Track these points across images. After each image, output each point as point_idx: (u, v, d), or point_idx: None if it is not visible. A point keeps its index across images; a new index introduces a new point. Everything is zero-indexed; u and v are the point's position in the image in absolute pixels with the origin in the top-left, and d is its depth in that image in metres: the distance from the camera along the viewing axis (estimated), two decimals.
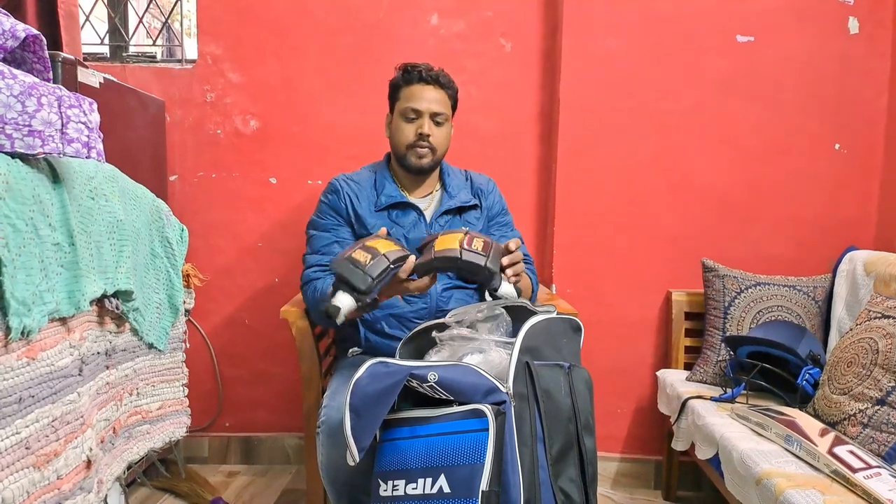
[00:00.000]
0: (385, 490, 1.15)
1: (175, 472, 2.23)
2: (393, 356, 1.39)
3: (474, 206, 1.71)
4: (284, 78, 2.25)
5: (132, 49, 2.31)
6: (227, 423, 2.39)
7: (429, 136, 1.60)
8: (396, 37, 2.24)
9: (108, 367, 1.11)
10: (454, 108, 1.70)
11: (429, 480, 1.10)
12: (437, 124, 1.63)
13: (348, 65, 2.23)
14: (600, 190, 2.17)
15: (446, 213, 1.68)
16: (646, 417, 2.23)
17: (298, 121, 2.26)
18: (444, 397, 1.18)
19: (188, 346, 1.42)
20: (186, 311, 1.42)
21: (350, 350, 1.70)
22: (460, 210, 1.70)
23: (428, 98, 1.61)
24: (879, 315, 1.64)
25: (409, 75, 1.63)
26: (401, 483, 1.13)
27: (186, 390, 1.40)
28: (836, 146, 2.14)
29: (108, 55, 2.30)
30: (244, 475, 2.32)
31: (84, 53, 2.22)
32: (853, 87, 2.11)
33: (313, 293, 1.58)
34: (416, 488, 1.11)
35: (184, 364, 1.40)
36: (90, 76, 1.78)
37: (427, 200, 1.71)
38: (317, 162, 2.27)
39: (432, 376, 1.15)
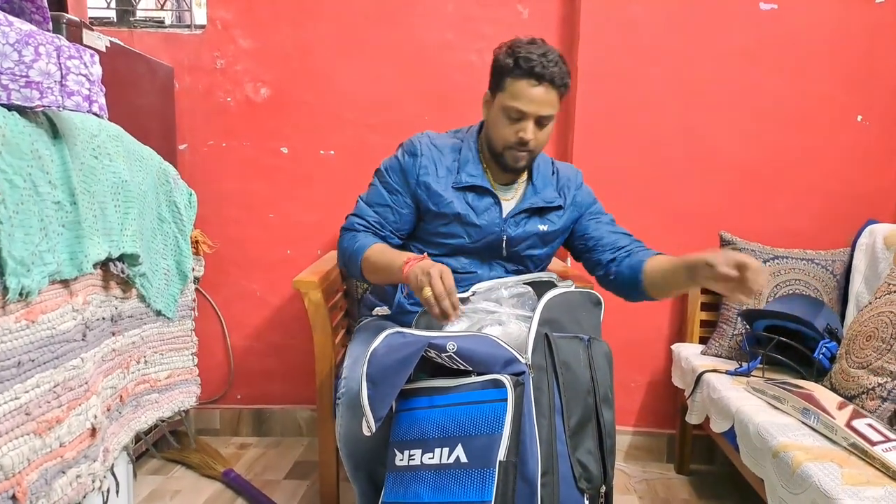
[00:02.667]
0: (401, 459, 1.15)
1: (186, 443, 2.22)
2: (410, 325, 1.40)
3: (558, 207, 1.60)
4: (298, 44, 2.20)
5: (139, 14, 2.27)
6: (238, 395, 2.40)
7: (530, 140, 1.45)
8: (413, 3, 2.18)
9: (113, 334, 1.09)
10: (563, 100, 1.50)
11: (445, 450, 1.11)
12: (542, 126, 1.46)
13: (365, 30, 2.18)
14: (618, 160, 2.13)
15: (526, 211, 1.56)
16: (659, 391, 2.22)
17: (312, 88, 2.22)
18: (462, 367, 1.17)
19: (197, 314, 1.40)
20: (196, 278, 1.40)
21: (376, 308, 1.65)
22: (542, 210, 1.58)
23: (538, 100, 1.41)
24: None
25: (521, 68, 1.40)
26: (417, 452, 1.13)
27: (196, 359, 1.39)
28: (859, 118, 2.09)
29: (115, 19, 2.26)
30: (256, 447, 2.33)
31: (90, 17, 2.19)
32: (878, 58, 2.06)
33: (351, 242, 1.52)
34: (432, 458, 1.11)
35: (193, 332, 1.38)
36: (96, 39, 1.74)
37: (510, 190, 1.59)
38: (330, 132, 2.24)
39: (451, 346, 1.14)
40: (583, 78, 2.10)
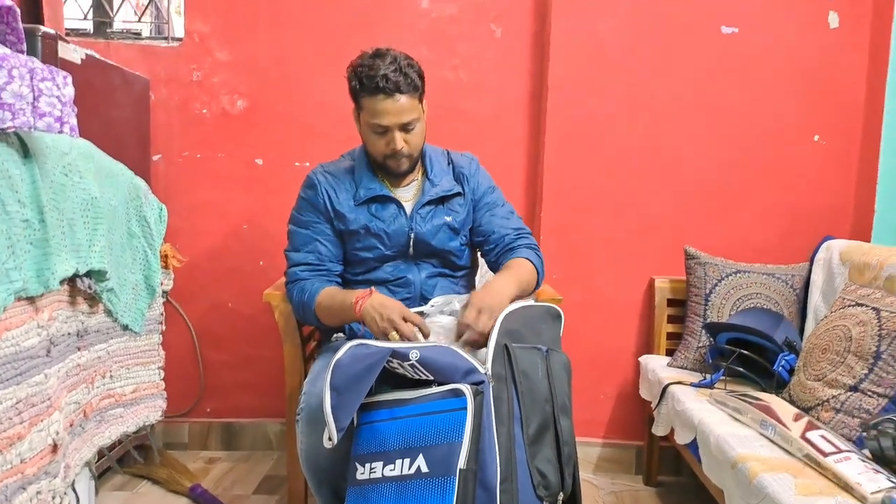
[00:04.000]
0: (362, 473, 1.16)
1: (152, 458, 2.19)
2: None
3: (457, 194, 1.66)
4: (274, 57, 2.23)
5: (117, 26, 2.28)
6: (208, 408, 2.38)
7: (401, 148, 1.50)
8: (389, 18, 2.23)
9: (79, 349, 1.09)
10: (422, 96, 1.54)
11: (407, 461, 1.12)
12: (409, 130, 1.50)
13: (341, 45, 2.21)
14: (588, 175, 2.18)
15: (428, 203, 1.62)
16: (627, 402, 2.26)
17: (287, 101, 2.24)
18: (423, 377, 1.20)
19: (164, 328, 1.41)
20: (164, 292, 1.41)
21: (334, 335, 1.69)
22: (443, 200, 1.64)
23: (393, 111, 1.45)
24: (853, 303, 1.67)
25: (367, 87, 1.44)
26: (378, 465, 1.14)
27: (163, 373, 1.39)
28: (816, 137, 2.17)
29: (92, 31, 2.26)
30: (225, 461, 2.30)
31: (66, 29, 2.19)
32: (833, 81, 2.15)
33: (300, 294, 1.55)
34: (393, 469, 1.12)
35: (160, 347, 1.38)
36: (71, 52, 1.75)
37: (409, 190, 1.65)
38: (305, 144, 2.26)
39: (414, 354, 1.17)
40: (553, 93, 2.15)
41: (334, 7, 2.21)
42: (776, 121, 2.16)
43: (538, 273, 1.61)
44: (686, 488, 2.18)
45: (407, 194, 1.64)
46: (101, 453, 1.25)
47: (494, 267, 1.66)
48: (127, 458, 2.13)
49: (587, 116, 2.16)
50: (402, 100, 1.45)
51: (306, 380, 1.51)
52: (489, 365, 1.21)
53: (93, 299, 1.13)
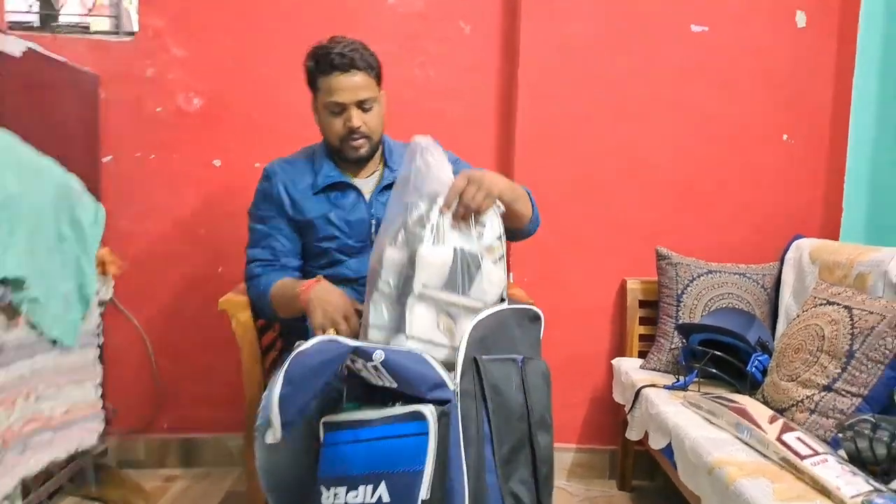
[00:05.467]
0: (327, 498, 1.08)
1: (106, 478, 2.06)
2: None
3: None
4: (233, 54, 2.14)
5: (64, 19, 2.15)
6: (164, 423, 2.26)
7: (360, 126, 1.50)
8: (353, 13, 2.16)
9: None
10: (380, 81, 1.55)
11: (370, 487, 1.04)
12: (366, 110, 1.51)
13: (303, 42, 2.07)
14: (558, 176, 2.15)
15: (387, 188, 1.58)
16: (601, 407, 2.22)
17: (247, 100, 2.16)
18: (387, 383, 1.09)
19: (102, 340, 1.30)
20: (102, 301, 1.30)
21: (297, 343, 1.61)
22: None
23: (349, 87, 1.46)
24: (824, 301, 1.66)
25: (322, 65, 1.47)
26: (342, 490, 1.06)
27: (100, 391, 1.28)
28: (785, 137, 2.17)
29: (38, 24, 2.14)
30: (183, 479, 2.19)
31: (9, 22, 2.07)
32: (801, 80, 2.16)
33: (256, 289, 1.53)
34: (356, 496, 1.04)
35: (98, 362, 1.27)
36: (10, 44, 1.64)
37: (370, 181, 1.62)
38: (265, 144, 2.15)
39: (378, 355, 1.06)
40: (523, 94, 2.11)
41: (296, 3, 2.14)
42: (746, 119, 2.16)
43: (532, 204, 1.53)
44: (661, 493, 2.15)
45: (368, 185, 1.61)
46: (49, 473, 1.13)
47: None
48: (78, 478, 2.00)
49: (557, 117, 2.13)
50: (358, 77, 1.47)
51: (265, 392, 1.43)
52: (457, 380, 1.10)
53: (11, 311, 1.01)
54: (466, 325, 1.18)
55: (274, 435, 1.02)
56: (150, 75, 2.12)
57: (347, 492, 1.05)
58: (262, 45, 2.14)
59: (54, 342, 1.15)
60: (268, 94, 2.16)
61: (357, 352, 1.08)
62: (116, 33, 2.13)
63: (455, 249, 1.20)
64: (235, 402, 2.21)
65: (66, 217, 1.17)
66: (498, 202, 1.29)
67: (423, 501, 0.98)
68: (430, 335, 1.19)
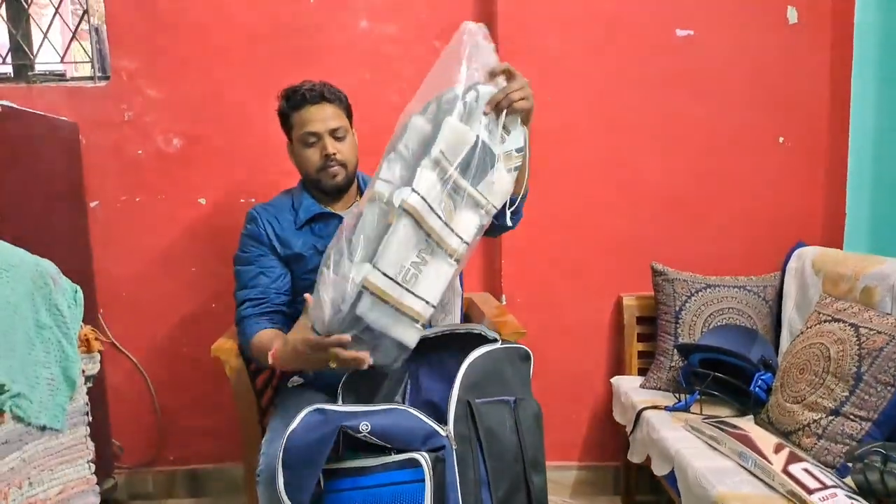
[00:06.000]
0: None
1: None
2: (337, 385, 1.36)
3: None
4: (207, 91, 2.10)
5: (39, 68, 2.13)
6: (171, 456, 2.27)
7: (335, 154, 1.54)
8: (326, 42, 2.11)
9: None
10: (350, 117, 1.62)
11: None
12: (339, 139, 1.56)
13: (277, 74, 2.07)
14: (546, 193, 2.09)
15: None
16: (602, 423, 2.19)
17: (225, 136, 2.12)
18: (382, 444, 1.13)
19: (91, 419, 1.29)
20: (89, 377, 1.29)
21: (290, 380, 1.63)
22: None
23: (321, 117, 1.54)
24: (829, 318, 1.60)
25: (293, 100, 1.55)
26: None
27: (93, 467, 1.28)
28: (780, 139, 2.10)
29: (12, 75, 2.12)
30: None
31: None
32: (795, 79, 2.07)
33: (242, 336, 1.53)
34: None
35: (88, 439, 1.27)
36: None
37: (348, 213, 1.61)
38: (248, 179, 2.14)
39: (364, 427, 1.11)
40: None
41: (266, 36, 2.09)
42: (738, 124, 2.09)
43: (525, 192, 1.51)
44: None
45: (343, 213, 1.61)
46: None
47: None
48: None
49: (542, 133, 2.04)
50: (328, 108, 1.54)
51: (264, 439, 1.45)
52: (451, 426, 1.15)
53: None
54: (460, 369, 1.21)
55: None
56: (127, 118, 2.10)
57: None
58: (235, 79, 2.10)
59: (44, 428, 1.15)
60: (244, 130, 2.12)
61: (345, 427, 1.10)
62: (92, 79, 2.11)
63: (478, 137, 1.19)
64: (237, 434, 2.21)
65: (44, 305, 1.16)
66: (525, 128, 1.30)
67: None
68: (430, 199, 1.17)
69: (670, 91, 2.07)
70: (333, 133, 1.54)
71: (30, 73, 2.10)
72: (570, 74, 2.06)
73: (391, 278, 1.15)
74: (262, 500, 1.32)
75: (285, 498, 1.07)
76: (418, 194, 1.16)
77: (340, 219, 1.57)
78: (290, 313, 1.57)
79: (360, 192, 1.66)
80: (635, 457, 1.85)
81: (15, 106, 1.77)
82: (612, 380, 2.09)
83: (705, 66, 2.06)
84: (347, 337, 1.17)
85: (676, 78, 2.06)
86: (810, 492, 1.25)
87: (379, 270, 1.15)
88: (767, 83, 2.07)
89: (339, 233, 1.26)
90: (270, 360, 1.36)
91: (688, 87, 2.07)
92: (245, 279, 1.58)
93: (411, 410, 1.16)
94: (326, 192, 1.60)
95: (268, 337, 1.46)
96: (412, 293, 1.17)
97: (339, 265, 1.19)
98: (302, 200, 1.61)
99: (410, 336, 1.21)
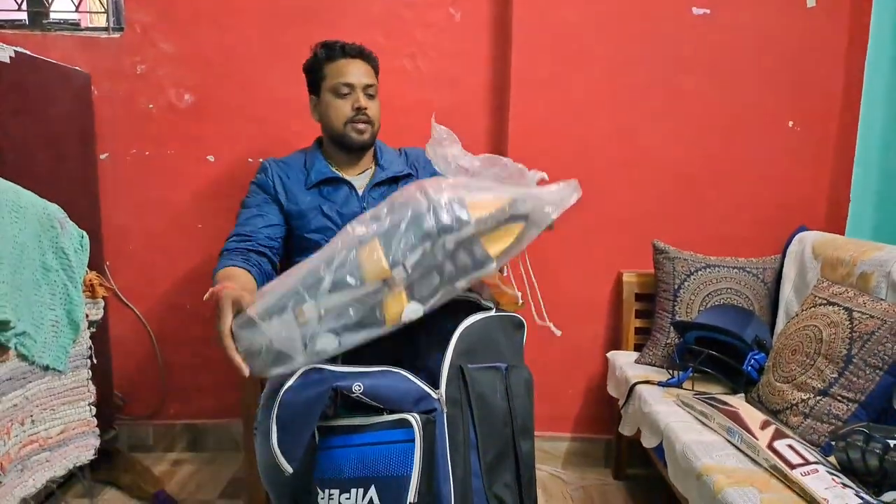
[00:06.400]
0: (322, 498, 1.12)
1: (118, 462, 2.16)
2: None
3: (408, 175, 1.68)
4: (221, 47, 2.11)
5: (54, 16, 2.13)
6: (171, 409, 2.32)
7: (366, 108, 1.57)
8: (340, 3, 2.10)
9: None
10: (377, 79, 1.66)
11: (360, 491, 1.09)
12: (370, 97, 1.60)
13: (292, 34, 2.09)
14: (553, 167, 2.04)
15: (378, 184, 1.64)
16: (596, 397, 2.22)
17: (237, 94, 2.13)
18: (374, 405, 1.13)
19: (94, 362, 1.32)
20: (92, 322, 1.32)
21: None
22: (395, 179, 1.66)
23: (358, 72, 1.58)
24: (825, 301, 1.62)
25: (332, 51, 1.59)
26: (336, 492, 1.11)
27: (94, 410, 1.31)
28: (790, 123, 2.09)
29: (27, 22, 2.12)
30: (190, 464, 2.26)
31: (0, 21, 2.06)
32: (809, 63, 2.06)
33: (216, 269, 1.43)
34: (349, 499, 1.09)
35: (89, 382, 1.30)
36: None
37: (362, 178, 1.67)
38: (258, 139, 2.15)
39: (357, 387, 1.10)
40: (516, 82, 2.05)
41: None
42: (749, 106, 2.08)
43: None
44: (655, 482, 2.14)
45: (360, 181, 1.65)
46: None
47: None
48: (91, 463, 2.08)
49: (552, 106, 2.07)
50: (364, 66, 1.60)
51: (263, 392, 1.45)
52: (443, 389, 1.15)
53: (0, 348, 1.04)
54: (454, 335, 1.21)
55: (286, 472, 1.07)
56: (140, 72, 2.10)
57: (340, 494, 1.09)
58: (246, 37, 2.11)
59: (46, 367, 1.17)
60: (255, 88, 2.13)
61: (338, 387, 1.10)
62: (106, 30, 2.11)
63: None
64: (236, 392, 2.26)
65: (51, 248, 1.18)
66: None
67: None
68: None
69: (682, 69, 2.06)
70: (366, 90, 1.58)
71: (44, 21, 2.11)
72: (583, 48, 2.05)
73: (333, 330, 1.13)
74: (261, 451, 1.34)
75: (279, 453, 1.08)
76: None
77: (350, 185, 1.61)
78: (272, 260, 1.54)
79: (376, 160, 1.69)
80: (626, 429, 1.88)
81: (28, 53, 1.78)
82: (608, 354, 2.12)
83: (720, 46, 2.04)
84: (245, 370, 1.11)
85: (689, 56, 2.05)
86: (792, 467, 1.27)
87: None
88: (782, 66, 2.06)
89: (339, 245, 1.15)
90: (205, 296, 1.22)
91: (700, 66, 2.06)
92: (241, 219, 1.60)
93: (404, 373, 1.16)
94: (349, 149, 1.62)
95: (226, 275, 1.38)
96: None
97: (311, 290, 1.11)
98: (315, 162, 1.64)
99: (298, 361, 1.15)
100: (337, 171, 1.63)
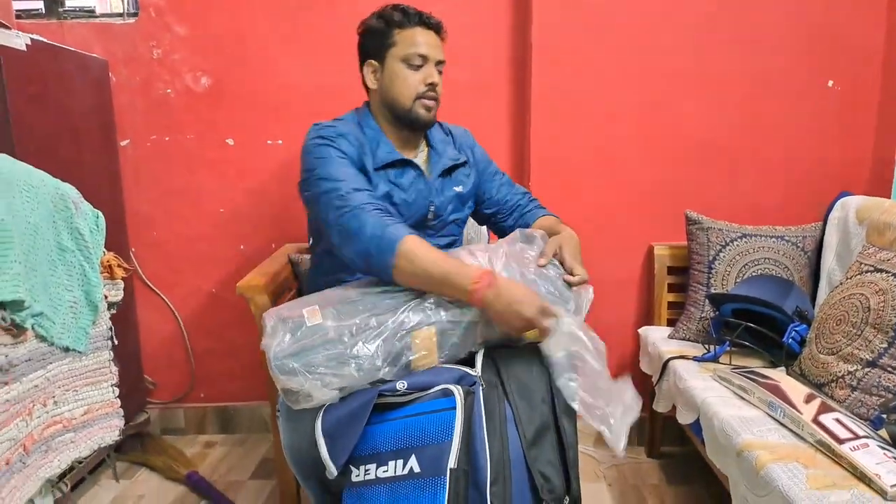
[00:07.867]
0: (357, 475, 1.15)
1: (151, 444, 2.20)
2: None
3: (464, 163, 1.55)
4: (235, 30, 2.07)
5: (69, 3, 2.12)
6: (201, 393, 2.34)
7: (438, 84, 1.42)
8: None
9: (6, 384, 1.02)
10: None
11: (400, 462, 1.12)
12: (439, 73, 1.44)
13: (304, 14, 2.05)
14: (578, 141, 2.03)
15: (441, 175, 1.50)
16: (629, 374, 2.15)
17: (253, 76, 2.10)
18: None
19: (116, 342, 1.31)
20: (112, 304, 1.31)
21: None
22: (451, 169, 1.52)
23: (433, 44, 1.41)
24: (871, 268, 1.54)
25: (407, 17, 1.40)
26: (372, 467, 1.14)
27: (117, 391, 1.31)
28: (830, 83, 1.99)
29: (44, 11, 2.11)
30: (222, 445, 2.29)
31: (17, 10, 2.06)
32: (847, 18, 1.94)
33: (378, 227, 1.22)
34: (386, 471, 1.12)
35: (111, 363, 1.29)
36: (13, 38, 1.62)
37: (418, 159, 1.51)
38: (275, 121, 2.12)
39: (401, 385, 1.16)
40: (537, 53, 1.98)
41: None
42: (785, 66, 1.98)
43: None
44: (689, 459, 2.10)
45: (419, 162, 1.50)
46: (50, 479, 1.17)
47: (508, 233, 1.49)
48: (126, 445, 2.15)
49: (576, 77, 1.99)
50: (438, 40, 1.44)
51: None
52: (479, 371, 1.20)
53: (16, 328, 1.03)
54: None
55: (332, 474, 1.11)
56: (156, 56, 2.08)
57: (378, 468, 1.13)
58: (260, 20, 2.07)
59: (67, 349, 1.17)
60: (270, 71, 2.09)
61: (382, 392, 1.16)
62: (121, 15, 2.09)
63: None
64: (264, 376, 2.25)
65: (65, 228, 1.17)
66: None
67: (450, 470, 1.05)
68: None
69: (709, 32, 1.96)
70: (438, 65, 1.43)
71: (60, 9, 2.09)
72: (606, 16, 1.96)
73: None
74: (285, 433, 1.33)
75: (330, 463, 1.11)
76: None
77: (417, 167, 1.46)
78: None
79: (427, 140, 1.54)
80: (660, 406, 1.83)
81: (44, 40, 1.77)
82: (640, 330, 2.06)
83: (747, 6, 1.94)
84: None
85: (716, 19, 1.95)
86: (841, 441, 1.21)
87: None
88: (818, 23, 1.95)
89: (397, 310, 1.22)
90: (473, 279, 1.17)
91: (730, 29, 1.96)
92: (349, 175, 1.31)
93: (442, 367, 1.20)
94: (412, 127, 1.45)
95: (446, 254, 1.24)
96: None
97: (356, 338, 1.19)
98: (378, 141, 1.43)
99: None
100: (400, 153, 1.46)
